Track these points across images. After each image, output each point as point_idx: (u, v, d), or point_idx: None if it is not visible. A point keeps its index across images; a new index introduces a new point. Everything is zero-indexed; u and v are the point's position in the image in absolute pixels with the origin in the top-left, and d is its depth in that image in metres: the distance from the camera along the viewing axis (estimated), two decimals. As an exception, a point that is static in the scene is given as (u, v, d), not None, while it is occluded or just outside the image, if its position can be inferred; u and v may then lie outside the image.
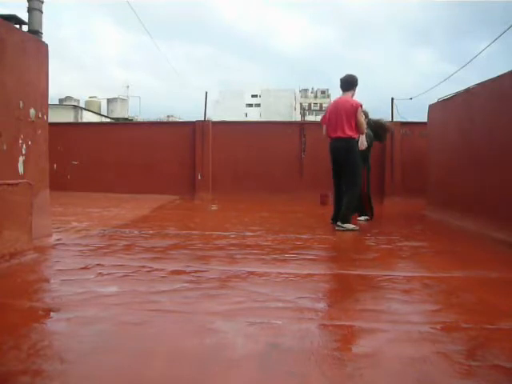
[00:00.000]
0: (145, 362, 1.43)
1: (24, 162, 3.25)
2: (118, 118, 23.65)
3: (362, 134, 4.72)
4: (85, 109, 22.31)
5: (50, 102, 3.86)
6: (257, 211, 6.35)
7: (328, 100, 62.79)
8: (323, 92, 67.07)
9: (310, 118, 52.05)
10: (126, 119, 24.08)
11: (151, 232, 4.18)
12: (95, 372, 1.38)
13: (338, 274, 2.76)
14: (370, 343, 1.60)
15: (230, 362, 1.44)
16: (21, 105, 3.24)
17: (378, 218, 6.06)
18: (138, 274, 2.53)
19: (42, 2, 5.69)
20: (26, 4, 5.58)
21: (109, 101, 26.23)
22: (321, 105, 64.71)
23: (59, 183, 7.41)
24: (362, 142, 5.02)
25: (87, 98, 25.62)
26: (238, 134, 8.87)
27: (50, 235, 3.63)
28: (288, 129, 8.88)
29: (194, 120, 9.01)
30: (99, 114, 23.83)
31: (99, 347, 1.55)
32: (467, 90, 5.15)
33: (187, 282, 2.38)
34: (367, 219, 5.38)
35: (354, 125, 4.43)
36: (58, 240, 3.57)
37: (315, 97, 68.01)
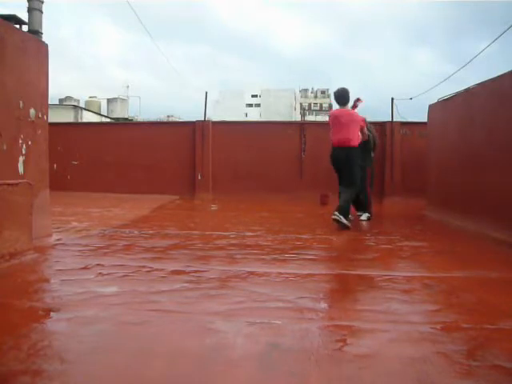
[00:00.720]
0: (145, 362, 1.43)
1: (24, 162, 3.26)
2: (117, 118, 23.63)
3: (364, 139, 5.00)
4: (85, 109, 22.29)
5: (50, 102, 3.86)
6: (257, 211, 6.35)
7: (328, 100, 62.83)
8: (323, 92, 67.04)
9: (310, 117, 52.06)
10: (126, 119, 24.06)
11: (151, 232, 4.18)
12: (95, 372, 1.38)
13: (338, 274, 2.76)
14: (370, 343, 1.60)
15: (230, 361, 1.44)
16: (21, 105, 3.24)
17: (378, 217, 6.07)
18: (137, 274, 2.53)
19: (42, 2, 5.68)
20: (26, 4, 5.57)
21: (109, 101, 26.21)
22: (321, 105, 64.74)
23: (59, 183, 7.41)
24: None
25: (87, 98, 25.61)
26: (238, 133, 8.87)
27: (50, 235, 3.63)
28: (288, 129, 8.87)
29: (194, 120, 9.00)
30: (99, 114, 23.81)
31: (99, 347, 1.55)
32: (467, 90, 5.15)
33: (187, 282, 2.38)
34: (369, 217, 5.43)
35: (356, 136, 4.80)
36: (58, 240, 3.57)
37: (315, 97, 67.98)
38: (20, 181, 2.90)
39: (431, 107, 6.34)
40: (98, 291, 2.18)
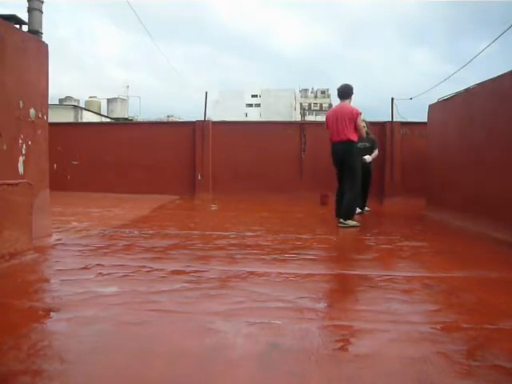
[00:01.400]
0: (145, 362, 1.43)
1: (24, 162, 3.26)
2: (117, 118, 23.62)
3: (362, 136, 5.14)
4: (85, 109, 22.29)
5: (50, 102, 3.86)
6: (257, 211, 6.35)
7: (328, 100, 62.84)
8: (323, 92, 67.04)
9: (309, 117, 52.05)
10: (126, 119, 24.05)
11: (151, 232, 4.18)
12: (95, 372, 1.38)
13: (338, 274, 2.76)
14: (370, 343, 1.60)
15: (229, 361, 1.44)
16: (21, 105, 3.24)
17: (378, 217, 6.07)
18: (138, 274, 2.53)
19: (42, 2, 5.68)
20: (26, 4, 5.57)
21: (109, 101, 26.20)
22: (321, 105, 64.73)
23: (59, 183, 7.41)
24: (376, 154, 6.18)
25: (87, 98, 25.61)
26: (238, 133, 8.87)
27: (50, 235, 3.63)
28: (288, 129, 8.87)
29: (194, 120, 9.01)
30: (99, 114, 23.81)
31: (99, 347, 1.55)
32: (467, 90, 5.15)
33: (187, 282, 2.38)
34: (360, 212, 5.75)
35: (353, 129, 4.83)
36: (58, 240, 3.57)
37: (315, 97, 67.98)
38: (20, 181, 2.90)
39: (431, 107, 6.34)
40: (98, 291, 2.18)
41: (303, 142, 8.63)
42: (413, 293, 2.29)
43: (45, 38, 4.93)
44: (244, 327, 1.74)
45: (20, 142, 3.23)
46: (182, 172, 8.86)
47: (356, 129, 4.85)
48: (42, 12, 5.72)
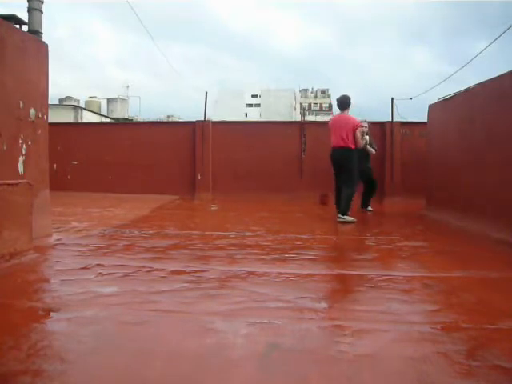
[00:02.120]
0: (145, 361, 1.43)
1: (24, 162, 3.26)
2: (117, 118, 23.62)
3: (359, 147, 5.46)
4: (85, 109, 22.29)
5: (50, 102, 3.86)
6: (257, 211, 6.35)
7: (328, 100, 62.83)
8: (323, 92, 67.02)
9: (310, 117, 52.03)
10: (126, 119, 24.05)
11: (151, 232, 4.18)
12: (95, 372, 1.38)
13: (338, 274, 2.76)
14: (370, 343, 1.60)
15: (229, 362, 1.44)
16: (21, 105, 3.24)
17: (378, 217, 6.07)
18: (138, 274, 2.53)
19: (42, 2, 5.68)
20: (26, 4, 5.57)
21: (109, 101, 26.20)
22: (321, 105, 64.72)
23: (59, 183, 7.40)
24: (371, 151, 6.38)
25: (87, 98, 25.61)
26: (238, 133, 8.86)
27: (50, 235, 3.63)
28: (288, 129, 8.87)
29: (194, 120, 9.00)
30: (99, 114, 23.81)
31: (99, 347, 1.55)
32: (467, 90, 5.15)
33: (187, 282, 2.38)
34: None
35: (351, 139, 5.26)
36: (58, 240, 3.57)
37: (315, 97, 67.95)
38: (20, 181, 2.90)
39: (431, 107, 6.34)
40: (97, 291, 2.18)
41: (303, 142, 8.63)
42: (413, 293, 2.29)
43: (44, 38, 4.93)
44: (244, 327, 1.74)
45: (20, 142, 3.23)
46: (181, 172, 8.86)
47: (354, 139, 5.29)
48: (41, 12, 5.72)
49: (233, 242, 3.69)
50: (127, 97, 27.83)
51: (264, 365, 1.42)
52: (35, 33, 5.28)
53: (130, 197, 8.14)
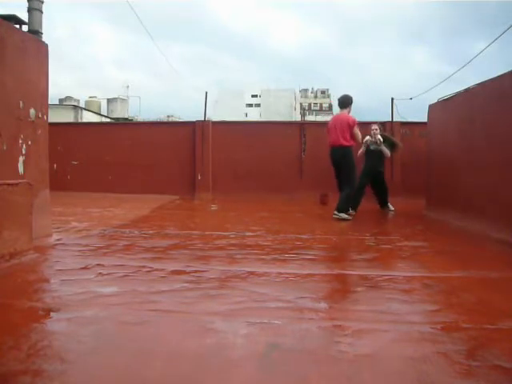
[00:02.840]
0: (145, 361, 1.43)
1: (24, 162, 3.26)
2: (117, 118, 23.62)
3: (359, 143, 5.65)
4: (85, 109, 22.28)
5: (50, 102, 3.86)
6: (257, 211, 6.34)
7: (328, 100, 62.85)
8: (323, 92, 67.02)
9: (310, 117, 52.01)
10: (126, 119, 24.06)
11: (151, 232, 4.18)
12: (95, 372, 1.38)
13: (337, 274, 2.76)
14: (370, 343, 1.60)
15: (229, 362, 1.44)
16: (21, 105, 3.24)
17: (378, 217, 6.07)
18: (138, 274, 2.53)
19: (42, 2, 5.68)
20: (26, 4, 5.57)
21: (109, 101, 26.20)
22: (321, 105, 64.72)
23: (59, 183, 7.41)
24: (387, 153, 6.36)
25: (87, 98, 25.61)
26: (238, 133, 8.87)
27: (50, 235, 3.63)
28: (288, 129, 8.87)
29: (194, 120, 9.01)
30: (99, 114, 23.81)
31: (99, 347, 1.55)
32: (467, 90, 5.15)
33: (187, 282, 2.38)
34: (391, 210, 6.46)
35: (349, 136, 5.36)
36: (58, 240, 3.57)
37: (315, 97, 67.94)
38: (20, 181, 2.90)
39: (431, 107, 6.34)
40: (97, 291, 2.18)
41: (303, 142, 8.63)
42: (413, 293, 2.29)
43: (44, 38, 4.92)
44: (244, 327, 1.74)
45: (20, 142, 3.23)
46: (181, 172, 8.87)
47: (352, 136, 5.38)
48: (41, 12, 5.72)
49: (233, 241, 3.69)
50: (127, 97, 27.83)
51: (264, 365, 1.42)
52: (35, 33, 5.28)
53: (130, 197, 8.14)
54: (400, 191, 7.87)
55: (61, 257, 2.99)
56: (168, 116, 34.21)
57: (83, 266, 2.69)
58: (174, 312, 1.92)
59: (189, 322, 1.81)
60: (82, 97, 26.01)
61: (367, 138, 6.32)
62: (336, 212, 5.31)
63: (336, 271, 2.86)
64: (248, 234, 4.16)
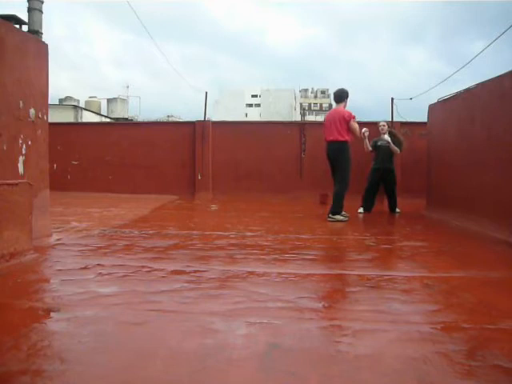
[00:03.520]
0: (145, 362, 1.43)
1: (24, 162, 3.26)
2: (117, 118, 23.63)
3: (357, 137, 5.44)
4: (85, 109, 22.28)
5: (50, 102, 3.87)
6: (257, 211, 6.34)
7: (328, 100, 62.88)
8: (323, 92, 67.07)
9: (310, 117, 52.04)
10: (126, 119, 24.06)
11: (151, 232, 4.18)
12: (95, 372, 1.37)
13: (338, 274, 2.76)
14: (370, 343, 1.60)
15: (229, 362, 1.44)
16: (21, 105, 3.24)
17: (378, 217, 6.07)
18: (137, 274, 2.53)
19: (42, 2, 5.69)
20: (26, 4, 5.58)
21: (109, 101, 26.19)
22: (321, 105, 64.77)
23: (59, 183, 7.41)
24: (396, 150, 6.31)
25: (87, 98, 25.61)
26: (238, 134, 8.87)
27: (50, 235, 3.63)
28: (288, 129, 8.88)
29: (194, 120, 9.01)
30: (99, 114, 23.81)
31: (99, 347, 1.55)
32: (467, 90, 5.15)
33: (187, 282, 2.38)
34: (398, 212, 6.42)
35: (345, 131, 5.23)
36: (58, 240, 3.57)
37: (315, 97, 67.98)
38: (20, 181, 2.90)
39: (431, 107, 6.34)
40: (98, 291, 2.18)
41: (303, 142, 8.63)
42: (413, 293, 2.29)
43: (44, 38, 4.92)
44: (244, 327, 1.74)
45: (20, 141, 3.23)
46: (182, 172, 8.87)
47: (349, 130, 5.24)
48: (41, 12, 5.72)
49: (233, 241, 3.69)
50: (127, 97, 27.84)
51: (264, 365, 1.42)
52: (35, 33, 5.28)
53: (130, 197, 8.14)
54: (400, 191, 7.87)
55: (61, 257, 2.99)
56: (168, 116, 34.21)
57: (83, 266, 2.69)
58: (173, 312, 1.92)
59: (189, 321, 1.81)
60: (81, 97, 26.04)
61: (364, 129, 6.26)
62: (330, 215, 5.19)
63: (336, 271, 2.86)
64: (248, 234, 4.16)
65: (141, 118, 26.15)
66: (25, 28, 5.33)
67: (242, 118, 43.34)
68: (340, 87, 5.51)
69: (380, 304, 2.07)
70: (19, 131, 3.22)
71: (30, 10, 5.60)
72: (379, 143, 6.39)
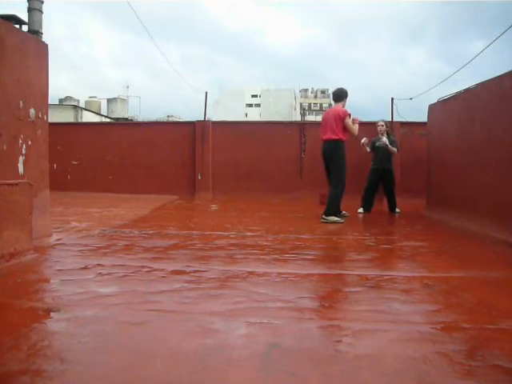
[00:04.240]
0: (145, 362, 1.43)
1: (24, 162, 3.26)
2: (117, 118, 23.63)
3: (353, 135, 5.25)
4: (85, 109, 22.29)
5: (50, 102, 3.87)
6: (257, 211, 6.35)
7: (328, 100, 62.87)
8: (323, 92, 67.06)
9: (310, 117, 52.02)
10: (126, 119, 24.06)
11: (151, 232, 4.18)
12: (95, 372, 1.38)
13: (337, 274, 2.76)
14: (370, 343, 1.60)
15: (229, 362, 1.44)
16: (21, 105, 3.24)
17: (377, 217, 6.07)
18: (137, 274, 2.53)
19: (42, 2, 5.69)
20: (26, 4, 5.57)
21: (109, 101, 26.20)
22: (321, 105, 64.75)
23: (59, 183, 7.41)
24: (393, 150, 6.34)
25: (87, 98, 25.61)
26: (238, 134, 8.87)
27: (50, 235, 3.63)
28: (288, 129, 8.88)
29: (194, 120, 9.01)
30: (99, 114, 23.81)
31: (99, 347, 1.55)
32: (467, 90, 5.15)
33: (187, 282, 2.38)
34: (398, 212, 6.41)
35: (341, 129, 5.13)
36: (58, 240, 3.57)
37: (315, 97, 67.98)
38: (20, 181, 2.89)
39: (431, 107, 6.34)
40: (98, 291, 2.18)
41: (303, 142, 8.63)
42: (413, 293, 2.29)
43: (44, 38, 4.92)
44: (244, 327, 1.74)
45: (20, 141, 3.23)
46: (182, 172, 8.87)
47: (345, 129, 5.13)
48: (41, 12, 5.72)
49: (233, 241, 3.69)
50: (127, 97, 27.84)
51: (264, 365, 1.42)
52: (35, 33, 5.28)
53: (130, 197, 8.14)
54: (400, 191, 7.88)
55: (61, 257, 2.99)
56: (168, 116, 34.21)
57: (83, 266, 2.69)
58: (173, 312, 1.92)
59: (189, 321, 1.81)
60: (81, 97, 26.04)
61: (363, 140, 6.30)
62: (324, 216, 5.06)
63: (336, 271, 2.86)
64: (248, 234, 4.16)
65: (141, 118, 26.16)
66: (25, 28, 5.32)
67: (242, 118, 43.35)
68: (339, 86, 5.45)
69: (380, 304, 2.07)
70: (19, 131, 3.22)
71: (29, 9, 5.60)
72: (377, 144, 6.39)
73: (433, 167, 6.24)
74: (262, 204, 7.32)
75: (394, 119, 8.40)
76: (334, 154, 5.15)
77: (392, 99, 8.40)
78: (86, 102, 24.80)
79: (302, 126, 8.84)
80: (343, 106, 5.30)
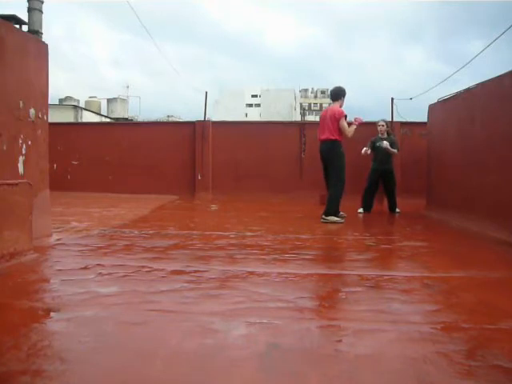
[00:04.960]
0: (145, 361, 1.43)
1: (24, 162, 3.25)
2: (117, 118, 23.63)
3: (346, 136, 5.16)
4: (85, 109, 22.28)
5: (50, 102, 3.87)
6: (257, 211, 6.35)
7: (328, 100, 62.87)
8: (323, 92, 67.06)
9: (310, 117, 52.04)
10: (126, 119, 24.06)
11: (151, 232, 4.18)
12: (95, 372, 1.37)
13: (338, 274, 2.76)
14: (370, 343, 1.60)
15: (229, 362, 1.44)
16: (21, 105, 3.24)
17: (378, 217, 6.07)
18: (137, 274, 2.53)
19: (42, 2, 5.69)
20: (26, 4, 5.58)
21: (109, 101, 26.19)
22: (321, 105, 64.75)
23: (59, 183, 7.41)
24: (393, 151, 6.35)
25: (87, 98, 25.61)
26: (238, 134, 8.87)
27: (50, 235, 3.63)
28: (288, 129, 8.88)
29: (194, 120, 9.01)
30: (99, 114, 23.81)
31: (99, 347, 1.55)
32: (467, 90, 5.15)
33: (187, 282, 2.38)
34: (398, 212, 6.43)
35: (336, 130, 5.07)
36: (58, 240, 3.57)
37: (315, 97, 68.00)
38: (20, 181, 2.89)
39: (431, 107, 6.34)
40: (98, 291, 2.18)
41: (303, 142, 8.63)
42: (413, 293, 2.29)
43: (44, 38, 4.92)
44: (244, 327, 1.74)
45: (20, 141, 3.23)
46: (181, 172, 8.87)
47: (340, 129, 5.07)
48: (41, 12, 5.72)
49: (233, 241, 3.69)
50: (127, 97, 27.84)
51: (264, 365, 1.42)
52: (35, 33, 5.28)
53: (130, 197, 8.14)
54: (400, 191, 7.87)
55: (61, 257, 2.99)
56: (168, 116, 34.21)
57: (83, 266, 2.68)
58: (173, 312, 1.92)
59: (189, 321, 1.81)
60: (81, 97, 26.04)
61: (364, 149, 6.31)
62: (323, 216, 5.04)
63: (336, 271, 2.86)
64: (248, 234, 4.16)
65: (141, 118, 26.16)
66: (25, 28, 5.33)
67: (242, 118, 43.34)
68: (337, 85, 5.37)
69: (380, 304, 2.07)
70: (19, 131, 3.22)
71: (29, 9, 5.60)
72: (377, 144, 6.39)
73: (433, 167, 6.24)
74: (262, 204, 7.32)
75: (394, 119, 8.40)
76: (331, 154, 5.12)
77: (392, 99, 8.41)
78: (86, 102, 24.80)
79: (301, 126, 8.84)
80: (341, 105, 5.24)
